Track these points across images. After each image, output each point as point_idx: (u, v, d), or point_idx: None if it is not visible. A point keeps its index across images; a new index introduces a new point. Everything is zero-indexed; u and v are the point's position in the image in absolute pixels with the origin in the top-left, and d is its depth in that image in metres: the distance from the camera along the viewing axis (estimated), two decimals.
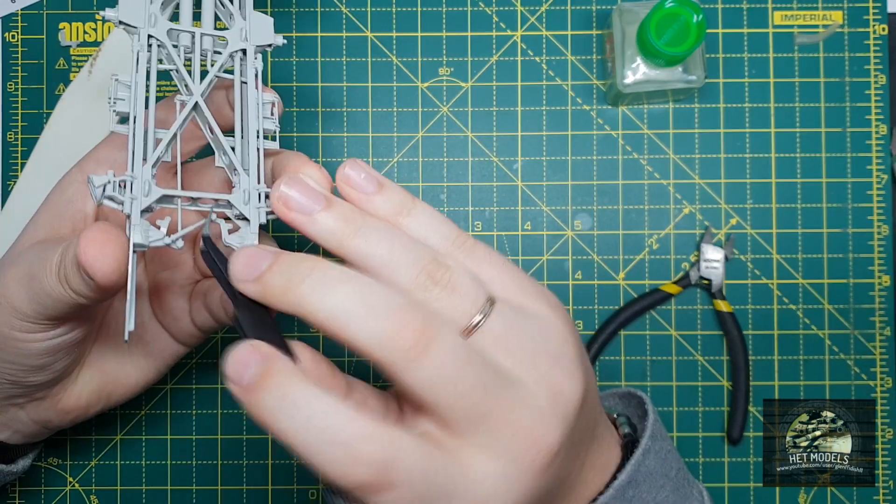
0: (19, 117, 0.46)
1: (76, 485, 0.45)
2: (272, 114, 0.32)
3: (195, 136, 0.33)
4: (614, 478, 0.29)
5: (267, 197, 0.30)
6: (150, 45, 0.30)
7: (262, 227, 0.30)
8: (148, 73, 0.29)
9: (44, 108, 0.46)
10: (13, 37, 0.46)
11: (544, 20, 0.46)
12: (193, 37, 0.31)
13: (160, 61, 0.30)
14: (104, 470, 0.46)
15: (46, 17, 0.46)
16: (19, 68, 0.46)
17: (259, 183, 0.30)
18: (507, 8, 0.46)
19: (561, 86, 0.46)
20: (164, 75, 0.34)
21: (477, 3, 0.46)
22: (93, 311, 0.32)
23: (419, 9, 0.46)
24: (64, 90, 0.46)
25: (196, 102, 0.30)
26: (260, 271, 0.25)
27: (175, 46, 0.30)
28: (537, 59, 0.46)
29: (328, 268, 0.25)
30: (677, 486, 0.31)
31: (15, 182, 0.45)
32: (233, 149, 0.30)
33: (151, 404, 0.46)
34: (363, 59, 0.46)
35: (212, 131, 0.30)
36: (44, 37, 0.46)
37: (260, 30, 0.32)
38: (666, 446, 0.32)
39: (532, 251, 0.46)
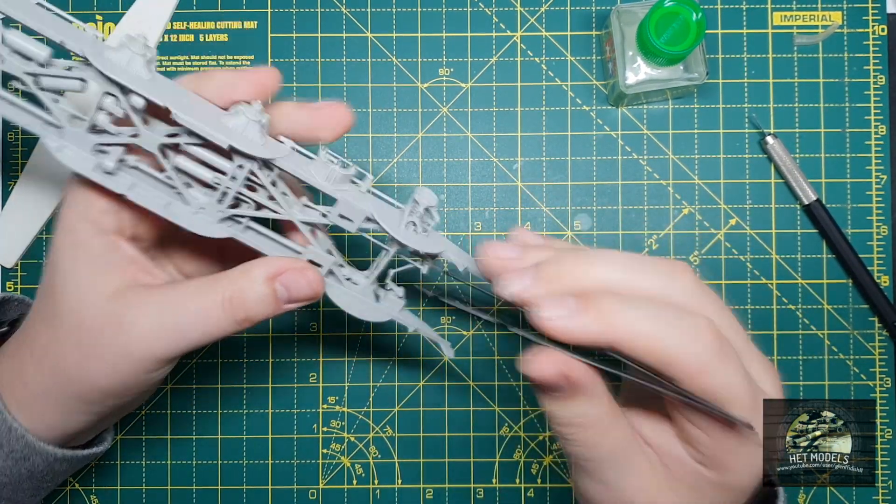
0: None
1: (76, 485, 0.45)
2: None
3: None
4: None
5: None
6: None
7: None
8: None
9: None
10: None
11: (544, 21, 0.46)
12: None
13: None
14: (104, 470, 0.46)
15: None
16: None
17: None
18: (506, 8, 0.46)
19: (560, 86, 0.46)
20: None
21: (477, 3, 0.46)
22: None
23: (419, 9, 0.46)
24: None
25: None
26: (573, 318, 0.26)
27: None
28: (537, 59, 0.46)
29: (619, 295, 0.26)
30: None
31: (15, 182, 0.45)
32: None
33: (151, 404, 0.46)
34: (363, 60, 0.46)
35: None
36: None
37: None
38: None
39: None
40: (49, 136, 0.31)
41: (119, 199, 0.32)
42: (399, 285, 0.36)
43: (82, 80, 0.30)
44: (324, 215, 0.33)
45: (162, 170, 0.32)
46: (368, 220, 0.32)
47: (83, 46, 0.29)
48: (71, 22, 0.30)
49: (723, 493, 0.27)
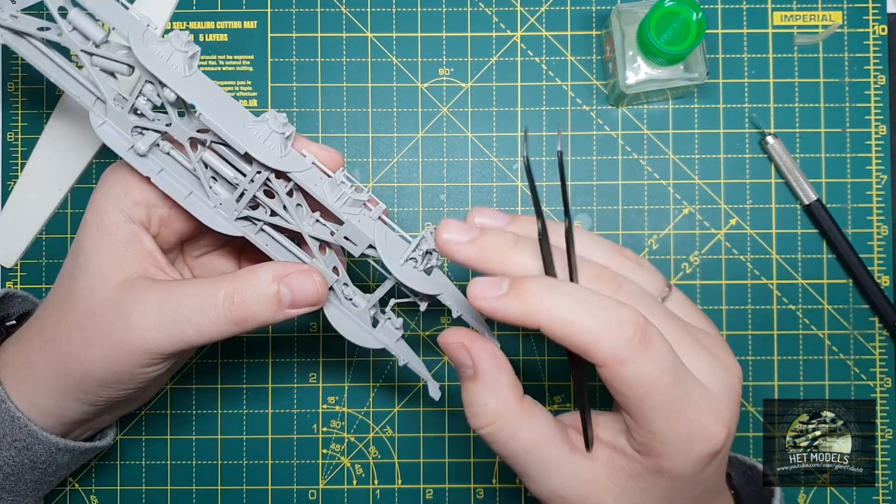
0: (19, 117, 0.46)
1: (76, 485, 0.45)
2: None
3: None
4: None
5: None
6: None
7: None
8: None
9: (44, 108, 0.46)
10: None
11: (544, 21, 0.46)
12: None
13: None
14: (104, 470, 0.46)
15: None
16: (19, 68, 0.46)
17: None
18: (506, 8, 0.46)
19: (560, 86, 0.46)
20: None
21: (477, 3, 0.46)
22: None
23: (419, 9, 0.46)
24: None
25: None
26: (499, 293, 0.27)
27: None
28: (537, 59, 0.46)
29: (548, 281, 0.27)
30: None
31: (15, 182, 0.45)
32: None
33: (151, 404, 0.46)
34: (363, 60, 0.46)
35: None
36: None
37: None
38: None
39: None
40: (95, 111, 0.32)
41: (151, 194, 0.33)
42: (398, 316, 0.36)
43: (130, 66, 0.31)
44: (332, 233, 0.33)
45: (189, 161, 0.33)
46: (371, 247, 0.33)
47: (130, 34, 0.30)
48: (127, 9, 0.31)
49: (659, 479, 0.28)
